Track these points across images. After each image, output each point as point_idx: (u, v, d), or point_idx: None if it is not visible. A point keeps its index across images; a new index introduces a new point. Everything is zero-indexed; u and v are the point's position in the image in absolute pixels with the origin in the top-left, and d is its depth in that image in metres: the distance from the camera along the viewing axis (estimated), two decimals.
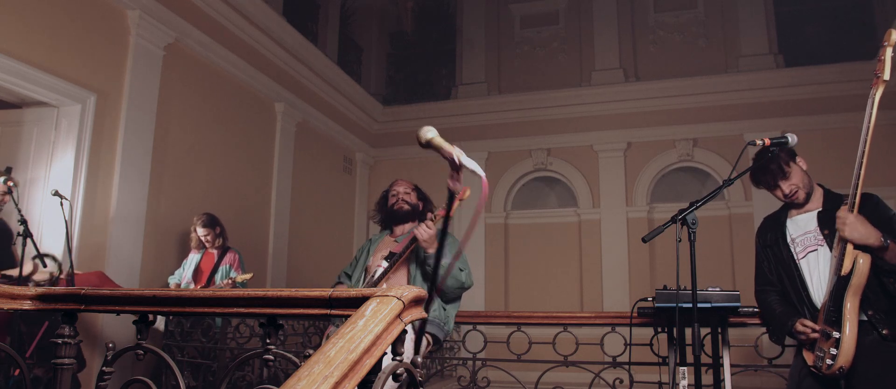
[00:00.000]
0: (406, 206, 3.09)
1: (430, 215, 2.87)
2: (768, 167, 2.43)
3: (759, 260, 2.63)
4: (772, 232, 2.59)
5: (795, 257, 2.47)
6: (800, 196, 2.46)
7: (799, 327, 2.33)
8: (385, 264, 2.94)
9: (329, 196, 8.02)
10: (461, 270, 2.85)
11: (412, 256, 2.94)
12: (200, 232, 4.95)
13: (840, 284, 2.17)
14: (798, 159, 2.48)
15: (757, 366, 3.36)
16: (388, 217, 3.15)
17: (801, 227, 2.48)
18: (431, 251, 2.82)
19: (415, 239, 2.85)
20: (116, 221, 4.74)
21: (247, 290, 1.83)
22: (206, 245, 5.00)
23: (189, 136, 5.59)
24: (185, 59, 5.55)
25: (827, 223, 2.38)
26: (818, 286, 2.37)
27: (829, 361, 2.15)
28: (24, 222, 3.69)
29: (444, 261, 2.76)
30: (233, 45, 6.07)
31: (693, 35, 8.23)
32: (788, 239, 2.51)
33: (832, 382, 2.22)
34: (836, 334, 2.15)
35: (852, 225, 2.15)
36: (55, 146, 4.54)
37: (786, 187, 2.45)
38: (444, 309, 2.87)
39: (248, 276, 4.86)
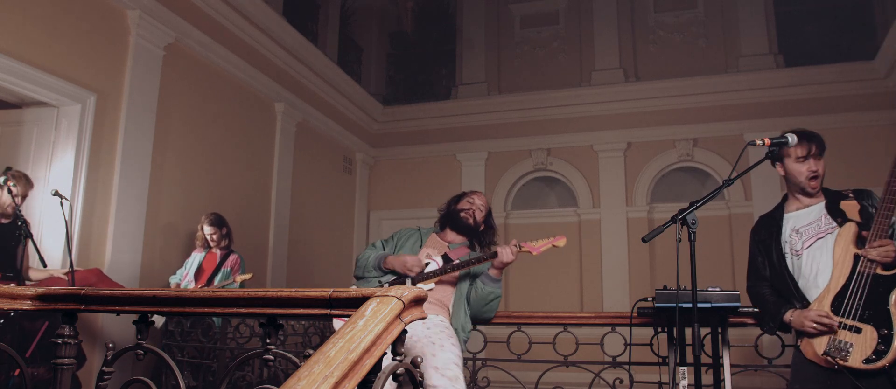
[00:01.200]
0: (471, 221, 3.11)
1: (514, 242, 2.90)
2: (817, 136, 2.47)
3: (753, 256, 2.66)
4: (766, 230, 2.62)
5: (787, 253, 2.50)
6: (815, 184, 2.48)
7: (812, 314, 2.32)
8: (440, 261, 2.97)
9: (329, 196, 8.01)
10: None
11: (463, 273, 2.98)
12: (207, 230, 4.96)
13: (877, 281, 2.23)
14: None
15: (757, 366, 3.35)
16: (451, 217, 3.15)
17: (804, 219, 2.51)
18: (496, 275, 2.93)
19: (487, 256, 2.91)
20: (116, 221, 4.74)
21: (247, 290, 1.83)
22: (212, 244, 5.00)
23: (189, 136, 5.59)
24: (185, 59, 5.55)
25: (837, 213, 2.43)
26: (823, 275, 2.39)
27: (872, 356, 2.18)
28: (24, 222, 3.69)
29: (496, 290, 2.95)
30: (233, 45, 6.07)
31: (693, 35, 8.22)
32: (783, 237, 2.53)
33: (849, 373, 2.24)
34: (884, 331, 2.18)
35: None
36: (55, 146, 4.54)
37: (817, 165, 2.47)
38: (466, 331, 2.97)
39: (247, 276, 4.87)
